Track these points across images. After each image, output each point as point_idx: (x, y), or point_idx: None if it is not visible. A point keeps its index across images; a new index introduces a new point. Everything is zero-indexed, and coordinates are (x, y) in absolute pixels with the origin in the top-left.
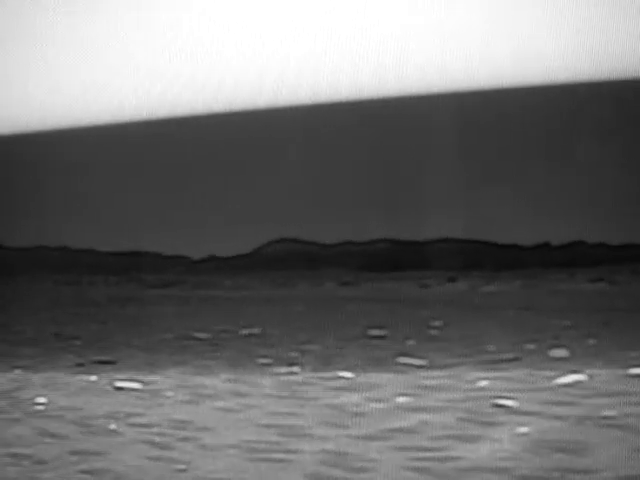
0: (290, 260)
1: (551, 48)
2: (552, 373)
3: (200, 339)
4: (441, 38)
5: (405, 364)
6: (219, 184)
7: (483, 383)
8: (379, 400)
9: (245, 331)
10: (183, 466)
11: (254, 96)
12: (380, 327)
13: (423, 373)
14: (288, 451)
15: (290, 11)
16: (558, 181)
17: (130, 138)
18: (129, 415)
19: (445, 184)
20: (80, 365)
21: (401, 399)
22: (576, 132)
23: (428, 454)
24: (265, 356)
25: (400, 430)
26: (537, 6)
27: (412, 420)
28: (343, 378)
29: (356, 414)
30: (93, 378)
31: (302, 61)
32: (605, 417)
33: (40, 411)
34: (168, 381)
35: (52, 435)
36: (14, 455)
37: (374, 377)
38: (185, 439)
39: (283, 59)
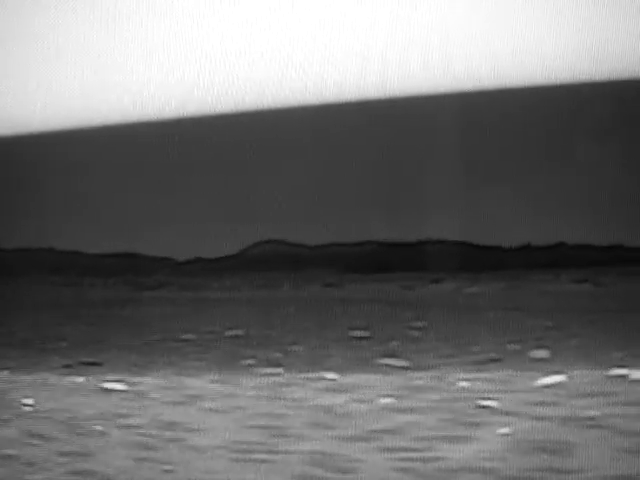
0: (276, 261)
1: (552, 48)
2: (534, 374)
3: (186, 340)
4: (441, 38)
5: (388, 365)
6: (207, 185)
7: (466, 384)
8: (363, 401)
9: (231, 332)
10: (170, 467)
11: (247, 97)
12: (364, 328)
13: (406, 374)
14: (275, 452)
15: (293, 11)
16: (545, 182)
17: (126, 139)
18: (116, 416)
19: (432, 185)
20: (68, 367)
21: (385, 400)
22: (571, 132)
23: (413, 455)
24: (250, 357)
25: (385, 431)
26: (538, 6)
27: (396, 421)
28: (327, 379)
29: (341, 415)
30: (80, 380)
31: (304, 62)
32: (587, 417)
33: (28, 412)
34: (155, 382)
35: (40, 436)
36: (2, 456)
37: (358, 378)
38: (172, 440)
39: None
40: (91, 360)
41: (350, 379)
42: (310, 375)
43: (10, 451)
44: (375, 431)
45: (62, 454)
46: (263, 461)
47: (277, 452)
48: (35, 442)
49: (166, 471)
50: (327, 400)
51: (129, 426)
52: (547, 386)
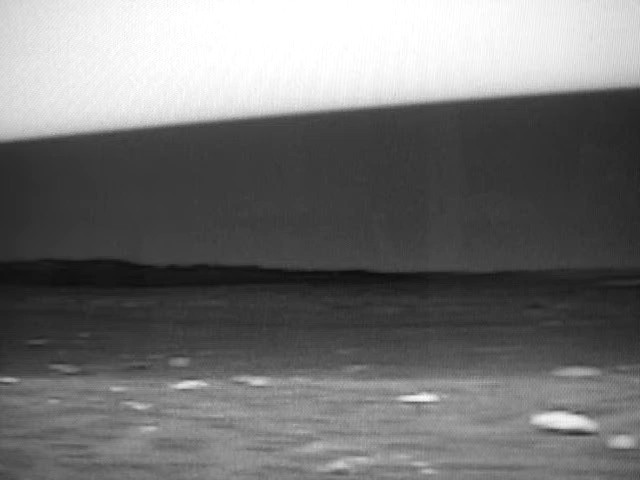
0: None
1: (558, 57)
2: (174, 379)
3: None
4: (443, 47)
5: (57, 370)
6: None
7: (119, 388)
8: (37, 403)
9: None
10: None
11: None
12: (39, 337)
13: (72, 378)
14: None
15: (301, 19)
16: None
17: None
18: None
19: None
20: None
21: (53, 402)
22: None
23: (75, 451)
24: None
25: (53, 430)
26: (546, 17)
27: (62, 420)
28: (9, 383)
29: (18, 415)
30: None
31: (299, 68)
32: (217, 419)
33: None
34: None
35: None
36: None
37: (33, 382)
38: None
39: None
40: None
41: (27, 383)
42: None
43: None
44: (46, 430)
45: None
46: None
47: None
48: None
49: None
50: (9, 402)
51: None
52: (185, 390)
